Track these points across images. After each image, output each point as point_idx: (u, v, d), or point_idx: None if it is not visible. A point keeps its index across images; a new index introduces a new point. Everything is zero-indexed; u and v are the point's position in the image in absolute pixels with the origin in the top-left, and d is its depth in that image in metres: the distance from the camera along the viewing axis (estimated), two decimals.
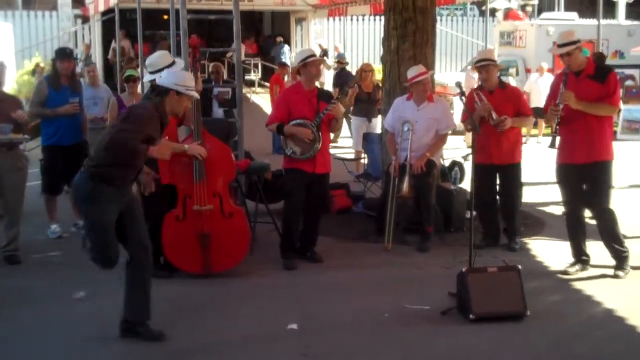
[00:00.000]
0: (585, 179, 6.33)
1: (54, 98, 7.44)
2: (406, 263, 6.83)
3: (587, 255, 6.52)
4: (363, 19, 25.10)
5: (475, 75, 8.30)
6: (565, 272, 6.45)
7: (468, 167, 7.01)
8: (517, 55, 17.88)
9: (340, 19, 22.18)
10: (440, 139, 7.34)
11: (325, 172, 6.85)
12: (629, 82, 13.66)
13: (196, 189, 6.20)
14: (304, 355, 4.85)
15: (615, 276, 6.31)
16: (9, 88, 16.83)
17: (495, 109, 6.84)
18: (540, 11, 25.15)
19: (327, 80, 19.33)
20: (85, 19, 22.48)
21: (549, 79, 14.13)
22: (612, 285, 6.17)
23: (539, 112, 10.28)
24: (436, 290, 5.92)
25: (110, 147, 4.80)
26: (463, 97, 6.13)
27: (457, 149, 11.25)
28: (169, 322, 5.38)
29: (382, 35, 8.39)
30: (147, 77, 6.40)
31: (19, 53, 20.78)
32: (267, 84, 18.25)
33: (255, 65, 24.11)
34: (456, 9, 26.39)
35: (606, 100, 6.14)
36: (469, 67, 12.60)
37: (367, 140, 9.52)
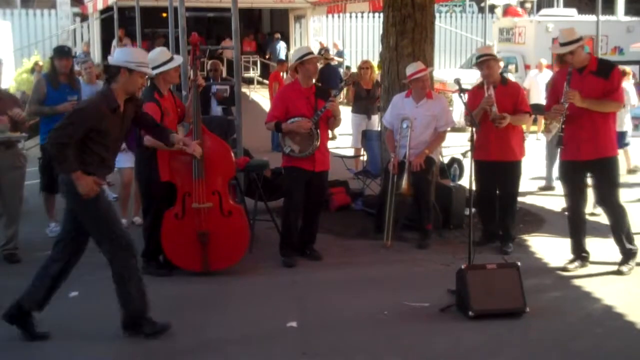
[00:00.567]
0: (593, 176, 6.33)
1: (52, 96, 7.43)
2: (405, 260, 6.83)
3: (586, 252, 6.53)
4: (362, 16, 25.10)
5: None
6: (564, 269, 6.45)
7: (467, 164, 6.99)
8: (516, 51, 17.88)
9: (339, 16, 22.15)
10: (439, 136, 7.33)
11: (324, 170, 6.84)
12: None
13: (195, 187, 6.20)
14: (303, 352, 4.85)
15: (619, 272, 6.31)
16: (8, 86, 16.86)
17: (496, 104, 6.82)
18: (539, 7, 25.11)
19: None
20: (84, 17, 22.50)
21: (548, 75, 14.12)
22: (611, 282, 6.17)
23: (538, 109, 10.27)
24: (435, 288, 5.92)
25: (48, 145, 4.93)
26: (462, 94, 6.12)
27: (459, 147, 11.23)
28: (170, 320, 5.37)
29: (381, 32, 8.38)
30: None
31: (17, 51, 20.78)
32: (266, 82, 18.26)
33: (254, 63, 24.12)
34: (455, 5, 26.39)
35: (610, 96, 6.12)
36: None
37: (366, 138, 9.51)
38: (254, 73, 23.64)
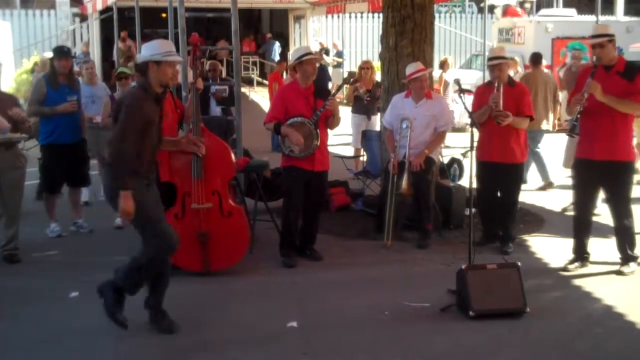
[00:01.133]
0: (606, 179, 6.30)
1: (52, 96, 7.43)
2: (406, 260, 6.83)
3: (587, 253, 6.53)
4: (361, 16, 25.10)
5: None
6: (565, 269, 6.46)
7: (467, 164, 6.99)
8: (516, 52, 17.84)
9: (338, 16, 22.15)
10: (439, 136, 7.33)
11: (324, 170, 6.84)
12: None
13: (195, 187, 6.20)
14: (304, 353, 4.85)
15: (619, 272, 6.32)
16: (7, 87, 16.88)
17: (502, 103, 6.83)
18: (538, 8, 25.16)
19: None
20: (84, 18, 22.48)
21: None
22: (611, 282, 6.17)
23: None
24: (436, 288, 5.92)
25: (111, 154, 4.87)
26: (462, 94, 6.12)
27: (460, 148, 11.24)
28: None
29: (380, 32, 8.38)
30: None
31: (17, 52, 20.77)
32: (266, 82, 18.26)
33: (254, 63, 24.12)
34: (454, 5, 26.39)
35: (632, 98, 6.07)
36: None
37: (366, 138, 9.51)
38: (253, 73, 23.64)
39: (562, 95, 9.19)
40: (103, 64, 21.10)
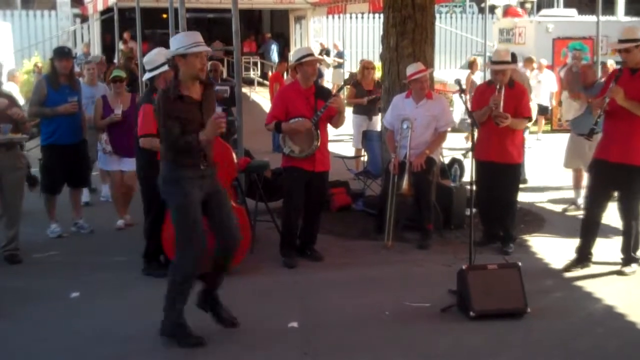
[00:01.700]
0: (619, 182, 6.29)
1: (53, 97, 7.43)
2: (406, 261, 6.83)
3: (591, 254, 6.53)
4: (362, 17, 25.08)
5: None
6: (566, 269, 6.45)
7: (468, 164, 6.99)
8: (517, 52, 17.85)
9: (339, 17, 22.12)
10: (439, 136, 7.33)
11: (325, 170, 6.84)
12: None
13: None
14: (304, 353, 4.86)
15: (620, 272, 6.33)
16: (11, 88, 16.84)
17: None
18: (539, 8, 25.13)
19: (326, 78, 19.36)
20: (84, 18, 22.48)
21: (548, 75, 14.13)
22: (612, 282, 6.17)
23: (542, 110, 10.29)
24: (436, 288, 5.92)
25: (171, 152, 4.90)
26: (463, 95, 6.12)
27: (459, 149, 11.24)
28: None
29: (381, 32, 8.38)
30: (146, 76, 6.40)
31: (18, 52, 20.77)
32: (267, 82, 18.26)
33: (255, 64, 24.10)
34: (455, 6, 26.36)
35: None
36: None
37: (367, 138, 9.50)
38: (254, 74, 23.64)
39: (564, 96, 9.18)
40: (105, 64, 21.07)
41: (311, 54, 6.84)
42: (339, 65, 20.09)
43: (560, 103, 13.42)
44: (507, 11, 22.29)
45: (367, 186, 8.97)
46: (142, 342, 5.00)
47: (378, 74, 10.93)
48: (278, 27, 27.11)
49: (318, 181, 6.76)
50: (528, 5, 25.27)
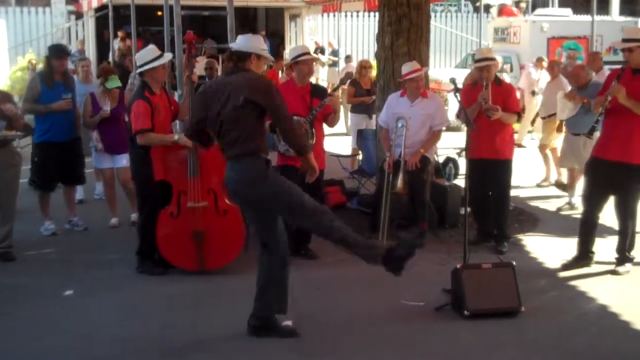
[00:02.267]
0: (616, 181, 6.28)
1: (47, 94, 7.41)
2: None
3: (592, 252, 6.54)
4: (357, 15, 25.08)
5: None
6: (566, 267, 6.46)
7: (462, 163, 7.00)
8: (512, 51, 17.89)
9: (334, 15, 22.14)
10: (434, 135, 7.33)
11: (320, 169, 6.81)
12: None
13: (191, 186, 6.19)
14: (299, 351, 4.85)
15: (615, 272, 6.34)
16: (2, 84, 16.84)
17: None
18: (534, 7, 25.15)
19: (321, 77, 19.35)
20: (79, 15, 22.44)
21: (543, 75, 14.13)
22: (606, 282, 6.18)
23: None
24: (431, 287, 5.92)
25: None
26: (457, 94, 6.12)
27: (454, 148, 11.25)
28: (164, 319, 5.38)
29: (376, 31, 8.38)
30: (137, 70, 6.39)
31: (12, 49, 20.72)
32: None
33: None
34: (450, 5, 26.39)
35: None
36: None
37: (362, 137, 9.50)
38: None
39: (558, 96, 9.21)
40: (100, 62, 21.04)
41: (307, 53, 6.84)
42: (334, 64, 20.09)
43: None
44: (502, 10, 22.30)
45: (362, 185, 8.97)
46: (136, 341, 4.99)
47: (374, 73, 10.93)
48: (273, 25, 27.06)
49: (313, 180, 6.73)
50: (523, 5, 25.28)
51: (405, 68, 7.20)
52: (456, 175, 9.56)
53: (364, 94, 10.63)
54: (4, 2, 23.51)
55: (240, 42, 5.02)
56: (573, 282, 6.18)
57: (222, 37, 10.54)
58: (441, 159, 9.37)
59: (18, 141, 7.30)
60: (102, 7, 18.24)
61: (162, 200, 6.30)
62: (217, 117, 4.83)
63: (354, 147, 10.66)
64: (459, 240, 6.86)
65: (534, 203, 9.14)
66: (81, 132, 7.84)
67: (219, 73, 11.92)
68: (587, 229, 6.50)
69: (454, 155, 9.78)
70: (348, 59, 18.14)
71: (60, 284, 6.12)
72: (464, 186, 6.12)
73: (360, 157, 9.59)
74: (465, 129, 5.95)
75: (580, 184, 7.59)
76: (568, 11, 20.63)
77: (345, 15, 24.34)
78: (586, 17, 17.23)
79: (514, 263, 5.51)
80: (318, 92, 6.81)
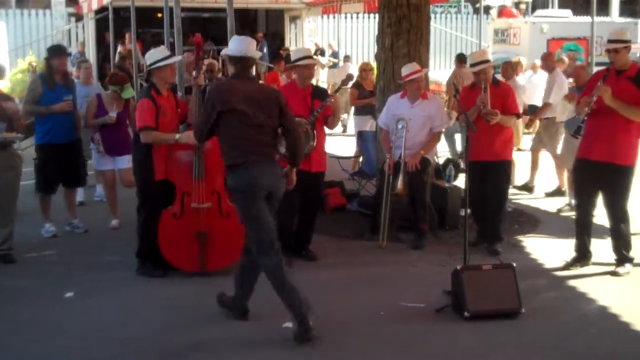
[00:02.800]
0: (604, 181, 6.30)
1: (48, 96, 7.41)
2: (401, 261, 6.83)
3: (589, 252, 6.54)
4: (357, 17, 25.08)
5: None
6: (565, 267, 6.47)
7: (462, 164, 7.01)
8: (511, 52, 17.86)
9: (334, 17, 22.14)
10: (434, 137, 7.34)
11: (321, 171, 6.84)
12: None
13: (195, 187, 6.20)
14: (299, 353, 4.85)
15: (614, 273, 6.34)
16: (3, 87, 16.82)
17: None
18: (534, 8, 25.17)
19: (321, 78, 19.35)
20: (79, 18, 22.43)
21: (542, 76, 14.12)
22: (606, 283, 6.19)
23: (533, 110, 10.30)
24: (431, 288, 5.93)
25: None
26: (457, 96, 6.13)
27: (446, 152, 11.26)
28: (165, 321, 5.38)
29: (376, 32, 8.38)
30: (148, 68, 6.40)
31: (12, 52, 20.72)
32: (261, 82, 18.20)
33: None
34: (450, 6, 26.38)
35: (639, 105, 6.08)
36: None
37: (362, 138, 9.50)
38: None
39: (558, 97, 9.21)
40: (100, 64, 21.05)
41: (309, 56, 6.87)
42: (334, 66, 20.09)
43: None
44: (502, 12, 22.32)
45: (362, 186, 8.97)
46: (136, 343, 4.99)
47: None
48: (273, 26, 27.07)
49: (314, 181, 6.75)
50: (523, 6, 25.29)
51: (405, 69, 7.21)
52: (456, 176, 9.57)
53: (368, 95, 10.63)
54: (4, 4, 23.51)
55: (245, 47, 5.22)
56: (573, 283, 6.19)
57: (223, 39, 10.54)
58: (441, 161, 9.37)
59: (19, 143, 7.29)
60: (102, 9, 18.22)
61: (164, 200, 6.30)
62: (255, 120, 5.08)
63: (358, 149, 10.67)
64: (459, 241, 6.86)
65: (533, 204, 9.14)
66: (81, 133, 7.84)
67: (220, 75, 11.93)
68: (584, 228, 6.51)
69: (454, 157, 9.78)
70: (347, 59, 18.16)
71: (61, 286, 6.11)
72: (463, 187, 6.12)
73: (360, 158, 9.58)
74: (465, 129, 5.95)
75: None
76: (568, 12, 20.66)
77: (345, 17, 24.34)
78: (586, 18, 17.24)
79: (514, 264, 5.51)
80: (319, 93, 6.82)
